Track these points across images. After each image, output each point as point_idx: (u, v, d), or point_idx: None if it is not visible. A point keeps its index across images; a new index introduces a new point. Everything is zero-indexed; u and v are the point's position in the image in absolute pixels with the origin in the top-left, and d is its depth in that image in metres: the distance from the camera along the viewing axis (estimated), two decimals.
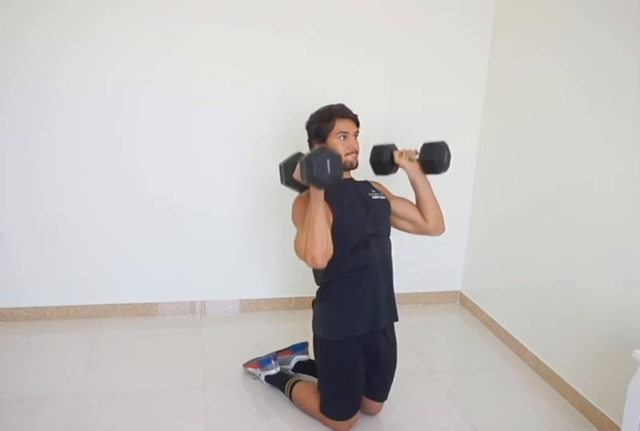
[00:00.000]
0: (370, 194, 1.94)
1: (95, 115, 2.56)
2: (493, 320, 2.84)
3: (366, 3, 2.66)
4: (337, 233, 1.80)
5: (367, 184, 2.01)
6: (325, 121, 1.85)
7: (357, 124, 1.91)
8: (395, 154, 2.00)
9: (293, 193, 1.96)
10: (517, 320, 2.64)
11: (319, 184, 1.68)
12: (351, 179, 1.96)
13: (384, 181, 2.12)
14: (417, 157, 2.00)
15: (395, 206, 1.99)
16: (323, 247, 1.70)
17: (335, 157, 1.67)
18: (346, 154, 1.86)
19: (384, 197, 1.97)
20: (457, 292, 3.23)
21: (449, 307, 3.19)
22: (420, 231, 2.03)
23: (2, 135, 2.51)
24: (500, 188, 2.79)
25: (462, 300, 3.20)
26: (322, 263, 1.71)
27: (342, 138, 1.85)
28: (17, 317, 2.74)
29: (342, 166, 1.73)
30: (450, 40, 2.79)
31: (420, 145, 2.02)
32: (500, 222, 2.78)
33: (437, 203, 2.01)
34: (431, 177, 2.03)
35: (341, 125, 1.85)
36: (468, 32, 2.80)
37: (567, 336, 2.24)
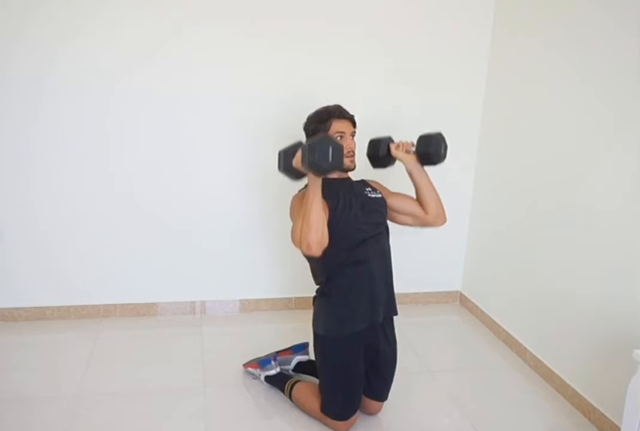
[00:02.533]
0: (366, 193, 1.95)
1: (86, 116, 2.56)
2: (493, 320, 2.84)
3: (366, 3, 2.66)
4: (334, 230, 1.80)
5: (363, 183, 2.01)
6: (322, 122, 1.86)
7: (354, 125, 1.92)
8: (392, 147, 2.01)
9: (293, 193, 1.96)
10: (517, 320, 2.64)
11: (318, 169, 1.68)
12: (348, 179, 1.97)
13: (381, 175, 2.11)
14: (413, 149, 2.00)
15: (393, 202, 2.00)
16: (319, 235, 1.70)
17: (338, 146, 1.68)
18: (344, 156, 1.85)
19: (380, 195, 1.98)
20: (457, 292, 3.23)
21: (449, 307, 3.19)
22: (422, 223, 2.03)
23: None
24: (500, 188, 2.79)
25: (462, 300, 3.20)
26: (316, 250, 1.70)
27: (338, 138, 1.86)
28: (17, 317, 2.74)
29: (344, 156, 1.73)
30: (449, 39, 2.79)
31: (417, 137, 2.01)
32: (500, 222, 2.78)
33: (436, 194, 2.01)
34: (431, 174, 2.03)
35: (338, 125, 1.86)
36: (468, 32, 2.79)
37: (567, 337, 2.24)
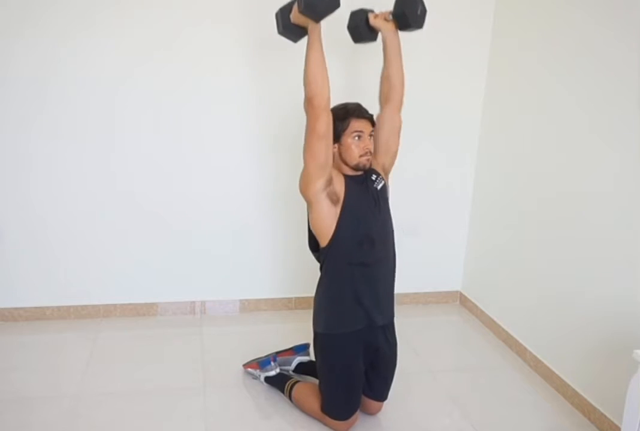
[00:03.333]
0: (375, 185, 1.92)
1: (88, 117, 2.56)
2: (493, 320, 2.84)
3: (366, 2, 2.66)
4: (345, 224, 1.80)
5: (370, 172, 1.94)
6: (340, 120, 1.82)
7: (373, 124, 1.89)
8: (371, 16, 1.98)
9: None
10: (517, 320, 2.64)
11: (314, 10, 1.66)
12: (362, 175, 1.92)
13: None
14: (392, 17, 1.97)
15: (379, 148, 1.95)
16: (318, 86, 1.70)
17: None
18: (360, 155, 1.84)
19: (383, 182, 1.95)
20: (457, 292, 3.23)
21: (449, 307, 3.19)
22: (396, 107, 2.02)
23: None
24: (500, 188, 2.79)
25: (462, 300, 3.20)
26: (319, 102, 1.70)
27: (356, 138, 1.83)
28: (17, 317, 2.74)
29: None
30: (449, 39, 2.79)
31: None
32: (500, 222, 2.78)
33: (402, 65, 2.01)
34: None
35: (356, 124, 1.83)
36: (467, 33, 2.80)
37: (567, 336, 2.24)
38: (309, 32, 1.75)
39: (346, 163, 1.86)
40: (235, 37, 2.58)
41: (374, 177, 1.94)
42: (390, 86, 2.00)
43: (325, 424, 1.98)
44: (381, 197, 1.92)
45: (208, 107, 2.66)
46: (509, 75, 2.69)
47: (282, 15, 1.83)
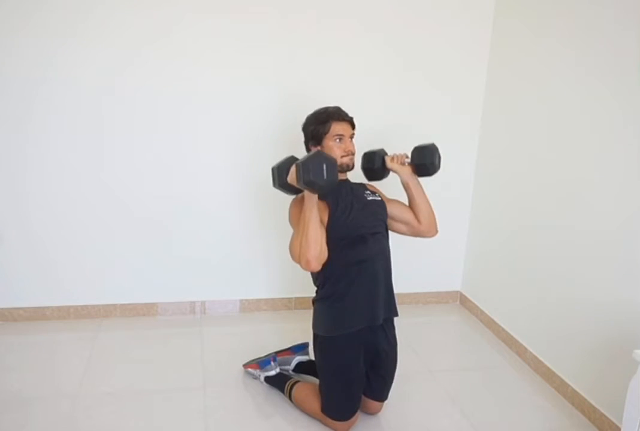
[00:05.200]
0: (365, 195, 1.96)
1: (82, 118, 2.55)
2: (493, 320, 2.84)
3: (366, 2, 2.66)
4: (334, 231, 1.82)
5: (362, 186, 2.03)
6: (321, 123, 1.87)
7: (353, 127, 1.93)
8: (387, 159, 2.02)
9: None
10: (517, 320, 2.64)
11: (314, 188, 1.71)
12: (347, 180, 1.97)
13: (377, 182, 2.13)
14: (408, 160, 2.03)
15: (390, 209, 2.01)
16: (317, 250, 1.74)
17: (332, 162, 1.70)
18: (342, 156, 1.88)
19: (379, 198, 1.99)
20: (457, 292, 3.23)
21: (449, 307, 3.19)
22: (414, 233, 2.05)
23: None
24: (500, 188, 2.79)
25: (462, 300, 3.20)
26: (316, 266, 1.76)
27: (338, 140, 1.87)
28: (17, 317, 2.74)
29: (338, 170, 1.75)
30: (449, 39, 2.79)
31: (411, 149, 2.04)
32: (500, 222, 2.78)
33: (429, 205, 2.03)
34: (429, 178, 2.04)
35: (337, 127, 1.87)
36: (467, 32, 2.80)
37: (567, 336, 2.24)
38: (305, 198, 1.78)
39: None
40: (230, 35, 2.57)
41: (368, 192, 1.99)
42: (419, 221, 2.03)
43: (326, 424, 1.98)
44: (370, 202, 1.95)
45: (203, 108, 2.65)
46: (509, 75, 2.69)
47: (279, 174, 1.88)
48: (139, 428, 1.95)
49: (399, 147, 2.10)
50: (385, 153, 2.06)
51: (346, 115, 1.91)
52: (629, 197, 1.91)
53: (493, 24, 2.80)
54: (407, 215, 2.02)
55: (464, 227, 3.11)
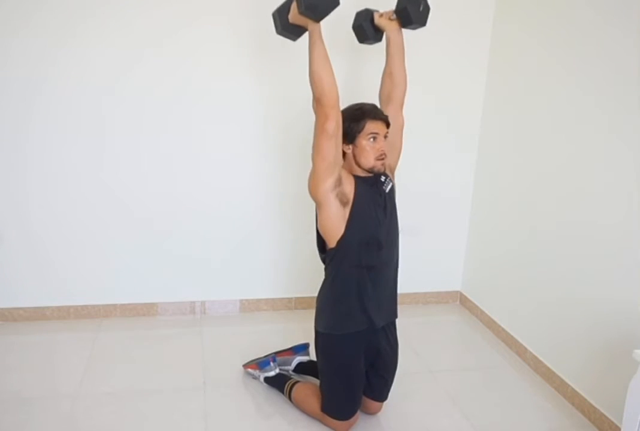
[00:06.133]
0: (384, 187, 1.90)
1: (82, 118, 2.55)
2: (493, 320, 2.84)
3: (366, 1, 2.66)
4: (354, 227, 1.79)
5: (378, 177, 1.91)
6: (355, 121, 1.79)
7: (388, 125, 1.86)
8: (375, 15, 2.03)
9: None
10: (517, 320, 2.64)
11: (317, 11, 1.67)
12: (372, 176, 1.89)
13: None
14: (394, 16, 2.01)
15: (391, 139, 1.93)
16: (324, 85, 1.70)
17: None
18: (375, 158, 1.81)
19: (391, 184, 1.93)
20: (457, 292, 3.23)
21: (449, 307, 3.19)
22: (398, 103, 2.05)
23: None
24: (500, 188, 2.79)
25: (462, 300, 3.20)
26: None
27: (371, 139, 1.80)
28: (17, 317, 2.74)
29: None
30: (449, 39, 2.79)
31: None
32: (500, 222, 2.78)
33: (404, 63, 2.04)
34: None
35: (371, 126, 1.80)
36: (467, 32, 2.80)
37: (567, 336, 2.24)
38: (309, 31, 1.75)
39: (360, 166, 1.83)
40: (237, 35, 2.57)
41: (383, 178, 1.91)
42: (393, 85, 2.02)
43: (326, 424, 1.98)
44: (389, 200, 1.91)
45: (212, 107, 2.65)
46: (509, 76, 2.69)
47: (280, 16, 1.83)
48: (139, 428, 1.95)
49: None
50: (376, 11, 2.04)
51: (382, 113, 1.85)
52: (630, 201, 1.91)
53: (492, 28, 2.80)
54: (391, 131, 1.91)
55: (464, 227, 3.11)
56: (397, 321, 2.05)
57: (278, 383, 2.17)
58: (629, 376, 1.50)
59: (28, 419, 1.97)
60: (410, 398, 2.20)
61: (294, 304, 3.01)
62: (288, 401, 2.11)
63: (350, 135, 1.80)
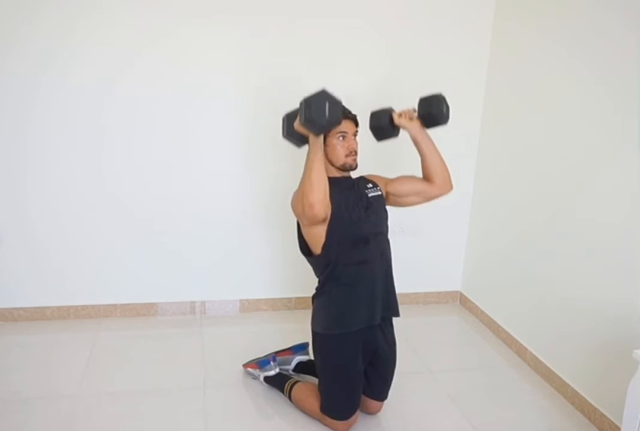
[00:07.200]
0: (367, 191, 1.94)
1: (82, 119, 2.55)
2: (493, 320, 2.84)
3: (364, 4, 2.66)
4: (337, 231, 1.82)
5: (363, 180, 2.00)
6: None
7: (357, 124, 1.92)
8: (395, 116, 1.97)
9: (292, 193, 1.95)
10: (517, 320, 2.64)
11: (314, 125, 1.68)
12: (349, 178, 1.96)
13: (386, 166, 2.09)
14: (416, 114, 1.97)
15: (396, 187, 1.99)
16: (321, 193, 1.71)
17: (335, 101, 1.67)
18: (345, 155, 1.87)
19: (379, 193, 1.97)
20: (457, 292, 3.23)
21: (449, 307, 3.19)
22: (429, 197, 2.01)
23: None
24: (500, 188, 2.79)
25: (462, 300, 3.20)
26: (319, 209, 1.72)
27: (341, 138, 1.86)
28: (17, 317, 2.74)
29: (342, 112, 1.72)
30: (449, 38, 2.79)
31: (417, 101, 1.98)
32: (500, 222, 2.78)
33: (442, 160, 1.97)
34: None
35: (340, 125, 1.84)
36: (468, 29, 2.79)
37: (567, 336, 2.24)
38: (309, 142, 1.77)
39: (332, 164, 1.88)
40: (230, 34, 2.57)
41: (369, 185, 1.97)
42: (432, 179, 1.98)
43: (325, 424, 1.98)
44: (374, 201, 1.93)
45: (204, 108, 2.65)
46: (509, 76, 2.69)
47: (288, 121, 1.86)
48: (139, 428, 1.95)
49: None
50: (393, 110, 1.99)
51: (349, 112, 1.90)
52: (629, 201, 1.91)
53: (493, 26, 2.80)
54: (417, 185, 1.99)
55: (464, 227, 3.11)
56: (397, 321, 2.04)
57: (278, 382, 2.17)
58: (629, 376, 1.50)
59: (28, 419, 1.97)
60: (410, 398, 2.20)
61: (294, 304, 3.01)
62: (288, 401, 2.11)
63: None
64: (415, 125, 1.95)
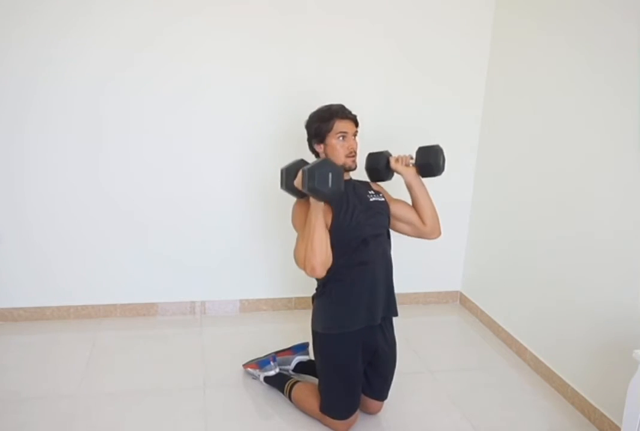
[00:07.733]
0: (368, 196, 1.96)
1: (78, 119, 2.55)
2: (493, 320, 2.84)
3: (367, 1, 2.66)
4: (337, 233, 1.82)
5: (366, 185, 2.02)
6: (324, 121, 1.86)
7: (356, 124, 1.93)
8: (391, 160, 2.03)
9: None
10: (517, 320, 2.64)
11: (318, 196, 1.71)
12: (350, 180, 1.97)
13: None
14: (412, 161, 2.03)
15: (394, 209, 2.01)
16: (322, 257, 1.74)
17: (338, 171, 1.70)
18: (345, 156, 1.87)
19: (382, 199, 1.98)
20: (457, 292, 3.23)
21: (449, 307, 3.19)
22: (418, 234, 2.05)
23: None
24: (500, 188, 2.79)
25: (462, 300, 3.20)
26: (321, 272, 1.76)
27: (341, 138, 1.86)
28: (17, 317, 2.74)
29: (343, 178, 1.74)
30: (450, 38, 2.79)
31: (415, 149, 2.04)
32: (500, 222, 2.78)
33: (434, 207, 2.03)
34: (430, 178, 2.04)
35: (340, 125, 1.86)
36: (468, 30, 2.80)
37: (567, 336, 2.24)
38: (311, 204, 1.78)
39: None
40: (228, 34, 2.57)
41: (371, 191, 1.99)
42: (424, 222, 2.03)
43: (325, 424, 1.98)
44: (374, 205, 1.94)
45: (204, 109, 2.65)
46: (509, 77, 2.69)
47: (287, 177, 1.87)
48: (139, 428, 1.95)
49: (401, 143, 2.09)
50: (390, 155, 2.06)
51: (350, 112, 1.91)
52: (629, 201, 1.91)
53: (494, 19, 2.80)
54: (412, 216, 2.02)
55: (464, 227, 3.11)
56: (397, 321, 2.05)
57: (278, 382, 2.17)
58: (629, 376, 1.50)
59: (27, 419, 1.97)
60: (410, 398, 2.20)
61: (294, 304, 3.01)
62: (288, 401, 2.11)
63: (320, 135, 1.87)
64: (411, 171, 2.00)
